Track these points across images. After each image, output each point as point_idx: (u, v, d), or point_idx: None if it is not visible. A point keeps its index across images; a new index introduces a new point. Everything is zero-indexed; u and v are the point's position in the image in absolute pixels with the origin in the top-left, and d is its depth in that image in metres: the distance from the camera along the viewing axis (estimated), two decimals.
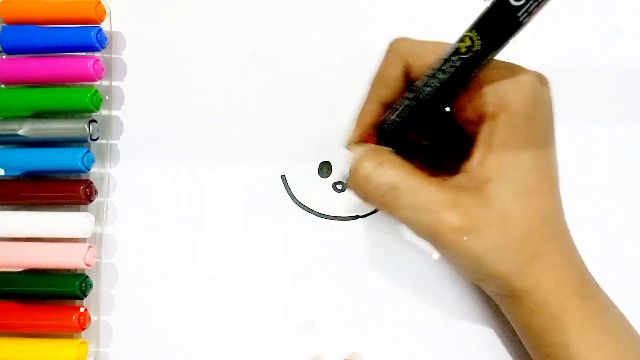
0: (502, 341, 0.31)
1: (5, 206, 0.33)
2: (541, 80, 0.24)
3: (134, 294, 0.33)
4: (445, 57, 0.23)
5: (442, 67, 0.23)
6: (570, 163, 0.32)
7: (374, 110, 0.27)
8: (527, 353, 0.28)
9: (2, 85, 0.33)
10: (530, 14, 0.20)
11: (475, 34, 0.22)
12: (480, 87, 0.24)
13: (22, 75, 0.32)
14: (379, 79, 0.27)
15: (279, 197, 0.33)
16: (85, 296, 0.31)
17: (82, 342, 0.31)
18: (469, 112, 0.25)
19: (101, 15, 0.32)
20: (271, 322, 0.32)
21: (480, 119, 0.24)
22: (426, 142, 0.29)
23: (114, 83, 0.34)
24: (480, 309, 0.31)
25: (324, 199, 0.33)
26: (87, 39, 0.32)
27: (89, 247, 0.31)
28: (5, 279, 0.31)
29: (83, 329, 0.31)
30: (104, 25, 0.33)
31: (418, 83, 0.25)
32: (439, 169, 0.27)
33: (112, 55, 0.34)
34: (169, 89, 0.34)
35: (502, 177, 0.24)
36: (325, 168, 0.33)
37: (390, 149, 0.27)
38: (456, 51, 0.23)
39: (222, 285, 0.32)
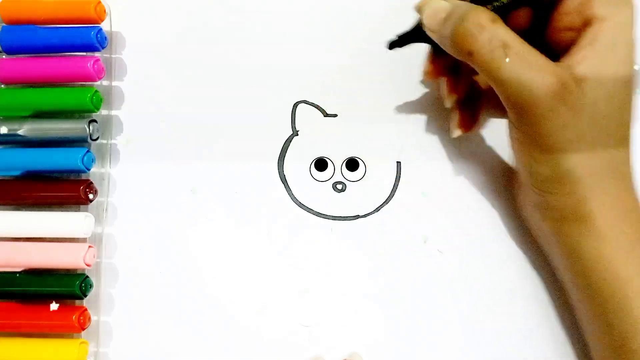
0: (502, 342, 0.31)
1: (5, 206, 0.33)
2: None
3: (134, 294, 0.33)
4: None
5: None
6: None
7: None
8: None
9: (2, 85, 0.33)
10: None
11: None
12: None
13: (22, 75, 0.32)
14: None
15: (279, 197, 0.33)
16: (85, 296, 0.31)
17: (82, 342, 0.31)
18: (573, 18, 0.25)
19: (101, 15, 0.32)
20: (271, 322, 0.32)
21: (586, 23, 0.25)
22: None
23: (114, 83, 0.34)
24: (480, 310, 0.31)
25: (324, 199, 0.33)
26: (87, 39, 0.32)
27: (89, 247, 0.31)
28: (5, 279, 0.31)
29: (83, 329, 0.31)
30: (104, 25, 0.33)
31: None
32: None
33: (112, 55, 0.34)
34: (168, 89, 0.34)
35: (597, 79, 0.24)
36: (319, 165, 0.33)
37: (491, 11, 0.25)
38: None
39: (221, 285, 0.32)
